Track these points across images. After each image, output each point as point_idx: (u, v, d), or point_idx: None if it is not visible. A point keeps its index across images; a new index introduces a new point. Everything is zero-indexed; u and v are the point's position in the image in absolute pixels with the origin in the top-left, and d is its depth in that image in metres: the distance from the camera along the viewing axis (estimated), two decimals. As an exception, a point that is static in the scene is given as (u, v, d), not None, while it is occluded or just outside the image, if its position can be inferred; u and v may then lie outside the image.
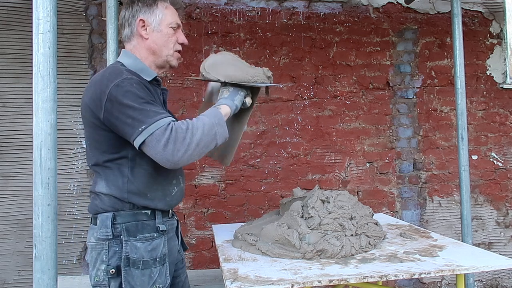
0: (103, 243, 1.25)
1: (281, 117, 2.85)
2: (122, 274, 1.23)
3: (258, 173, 2.80)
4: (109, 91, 1.17)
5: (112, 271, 1.24)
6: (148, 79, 1.30)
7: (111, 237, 1.24)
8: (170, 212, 1.38)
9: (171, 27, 1.38)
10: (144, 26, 1.34)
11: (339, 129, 2.92)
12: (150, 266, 1.26)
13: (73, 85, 2.58)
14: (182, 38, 1.41)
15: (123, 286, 1.23)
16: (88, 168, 2.56)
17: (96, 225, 1.27)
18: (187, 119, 1.22)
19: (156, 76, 1.36)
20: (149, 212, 1.28)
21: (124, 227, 1.24)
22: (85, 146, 1.46)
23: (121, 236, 1.24)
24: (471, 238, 2.25)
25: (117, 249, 1.25)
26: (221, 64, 1.45)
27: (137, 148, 1.17)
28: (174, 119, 1.21)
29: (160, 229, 1.29)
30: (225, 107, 1.32)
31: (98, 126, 1.23)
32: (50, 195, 1.04)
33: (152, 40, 1.35)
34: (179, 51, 1.41)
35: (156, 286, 1.26)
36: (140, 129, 1.14)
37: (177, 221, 1.45)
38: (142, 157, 1.24)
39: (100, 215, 1.27)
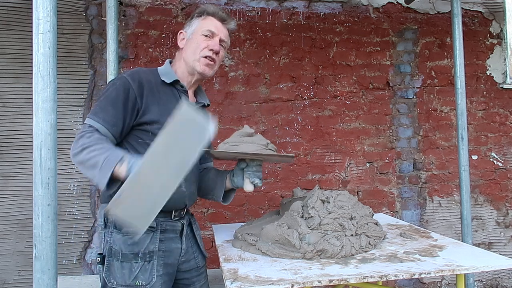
0: (101, 232, 1.35)
1: (281, 117, 2.85)
2: (105, 263, 1.29)
3: (258, 173, 2.79)
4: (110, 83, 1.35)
5: (98, 259, 1.31)
6: (167, 81, 1.39)
7: (104, 227, 1.34)
8: (172, 214, 1.39)
9: (203, 34, 1.43)
10: (182, 38, 1.47)
11: (339, 129, 2.92)
12: (130, 260, 1.28)
13: (73, 85, 2.58)
14: (213, 45, 1.42)
15: (104, 274, 1.29)
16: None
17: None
18: (101, 139, 1.23)
19: (177, 79, 1.42)
20: None
21: (113, 218, 1.30)
22: None
23: (110, 227, 1.31)
24: (471, 238, 2.25)
25: (107, 238, 1.32)
26: None
27: None
28: (101, 126, 1.26)
29: (151, 226, 1.26)
30: (124, 167, 1.15)
31: None
32: (50, 195, 1.04)
33: (185, 49, 1.44)
34: (208, 57, 1.41)
35: (138, 282, 1.27)
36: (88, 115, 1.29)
37: (184, 225, 1.45)
38: (140, 151, 1.29)
39: (101, 205, 1.37)
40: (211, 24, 1.45)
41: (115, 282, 1.27)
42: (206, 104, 1.55)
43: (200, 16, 1.47)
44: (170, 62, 1.49)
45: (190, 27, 1.46)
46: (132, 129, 1.33)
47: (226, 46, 1.52)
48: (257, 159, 1.44)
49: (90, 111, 1.30)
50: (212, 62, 1.43)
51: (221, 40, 1.46)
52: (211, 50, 1.41)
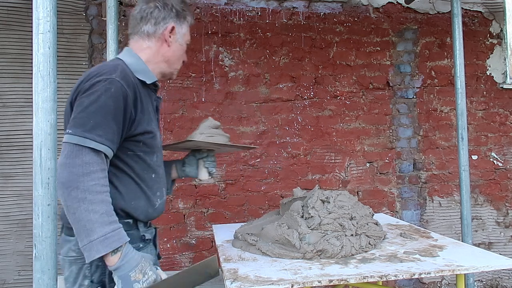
0: (83, 263, 1.12)
1: (281, 117, 2.85)
2: None
3: (258, 173, 2.80)
4: (93, 81, 1.13)
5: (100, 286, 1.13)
6: (148, 82, 1.25)
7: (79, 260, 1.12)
8: (148, 222, 1.30)
9: (186, 44, 1.40)
10: (172, 33, 1.33)
11: (339, 129, 2.92)
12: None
13: (73, 85, 2.57)
14: (185, 57, 1.44)
15: None
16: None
17: (73, 236, 1.09)
18: (105, 179, 1.07)
19: (156, 81, 1.31)
20: (131, 221, 1.19)
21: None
22: None
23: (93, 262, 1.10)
24: (471, 238, 2.25)
25: (100, 263, 1.11)
26: None
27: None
28: (107, 149, 1.08)
29: (146, 238, 1.23)
30: (116, 256, 1.04)
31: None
32: (50, 195, 1.04)
33: (172, 49, 1.34)
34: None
35: None
36: (73, 131, 1.08)
37: (155, 229, 1.36)
38: (129, 163, 1.18)
39: (66, 237, 1.18)
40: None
41: None
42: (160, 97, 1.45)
43: (188, 22, 1.42)
44: (132, 53, 1.30)
45: (181, 29, 1.37)
46: (123, 141, 1.16)
47: None
48: (233, 150, 1.61)
49: (83, 123, 1.07)
50: None
51: None
52: (184, 61, 1.42)
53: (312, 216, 1.49)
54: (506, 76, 3.14)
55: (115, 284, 1.08)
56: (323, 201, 1.54)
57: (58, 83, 1.13)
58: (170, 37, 1.32)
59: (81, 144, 1.05)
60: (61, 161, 1.04)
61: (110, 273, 1.09)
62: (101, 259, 1.05)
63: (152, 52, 1.31)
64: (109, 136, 1.08)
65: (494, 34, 3.15)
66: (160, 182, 1.30)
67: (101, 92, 1.10)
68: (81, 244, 1.02)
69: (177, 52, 1.36)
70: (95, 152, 1.05)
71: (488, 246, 3.07)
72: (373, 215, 1.67)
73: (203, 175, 1.52)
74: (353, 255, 1.43)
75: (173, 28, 1.32)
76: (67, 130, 1.09)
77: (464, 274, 1.40)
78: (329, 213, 1.49)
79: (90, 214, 1.01)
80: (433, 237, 1.66)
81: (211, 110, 2.74)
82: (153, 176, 1.26)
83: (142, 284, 1.06)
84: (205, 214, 2.72)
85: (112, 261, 1.03)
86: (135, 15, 1.33)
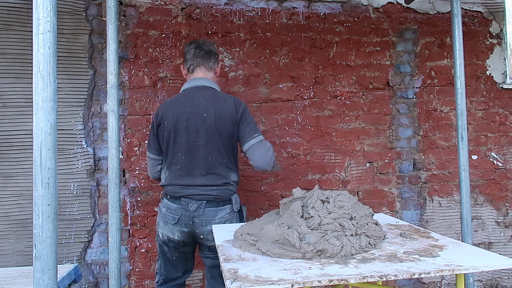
0: (236, 213, 2.07)
1: (281, 117, 2.85)
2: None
3: (258, 173, 2.80)
4: (243, 107, 2.05)
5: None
6: None
7: (239, 208, 2.10)
8: None
9: None
10: (218, 70, 2.23)
11: (339, 129, 2.92)
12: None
13: (73, 85, 2.58)
14: None
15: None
16: (89, 168, 2.57)
17: (230, 203, 2.04)
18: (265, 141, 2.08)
19: None
20: None
21: (238, 199, 2.13)
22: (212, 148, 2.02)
23: (241, 206, 2.14)
24: (471, 238, 2.25)
25: (239, 215, 2.10)
26: None
27: (246, 148, 2.03)
28: None
29: None
30: None
31: (235, 134, 2.03)
32: (50, 195, 1.04)
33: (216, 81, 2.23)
34: None
35: None
36: (256, 135, 2.04)
37: None
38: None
39: (233, 195, 2.07)
40: None
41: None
42: None
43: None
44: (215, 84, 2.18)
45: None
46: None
47: None
48: None
49: (257, 130, 2.07)
50: None
51: None
52: None
53: (312, 216, 1.49)
54: (506, 76, 3.14)
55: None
56: (323, 201, 1.54)
57: (58, 83, 1.13)
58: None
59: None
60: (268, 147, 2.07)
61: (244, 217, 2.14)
62: (240, 212, 2.12)
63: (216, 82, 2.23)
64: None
65: (494, 34, 3.15)
66: None
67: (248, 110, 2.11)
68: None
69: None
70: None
71: (488, 246, 3.07)
72: (373, 215, 1.67)
73: None
74: (353, 255, 1.43)
75: (220, 67, 2.29)
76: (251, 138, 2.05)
77: (464, 274, 1.41)
78: (329, 213, 1.49)
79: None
80: (433, 237, 1.66)
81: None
82: None
83: None
84: (205, 214, 2.72)
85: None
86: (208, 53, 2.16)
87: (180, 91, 2.14)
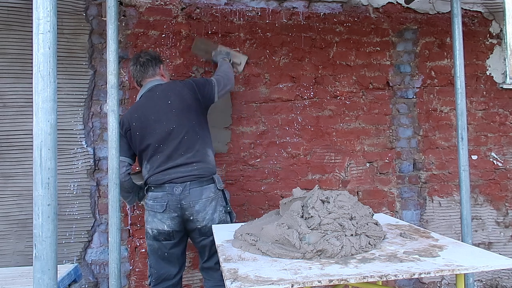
0: (220, 192, 2.13)
1: (281, 117, 2.85)
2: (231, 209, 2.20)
3: (258, 173, 2.80)
4: (194, 82, 2.22)
5: (227, 208, 2.15)
6: None
7: (222, 188, 2.16)
8: None
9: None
10: (162, 69, 2.34)
11: (339, 129, 2.92)
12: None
13: (73, 85, 2.58)
14: None
15: (231, 216, 2.19)
16: (89, 168, 2.57)
17: (213, 182, 2.11)
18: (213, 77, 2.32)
19: None
20: None
21: (220, 179, 2.20)
22: (188, 133, 2.13)
23: (223, 187, 2.19)
24: (471, 238, 2.25)
25: (222, 195, 2.16)
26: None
27: (214, 81, 2.26)
28: None
29: None
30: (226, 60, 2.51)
31: (200, 107, 2.20)
32: (50, 195, 1.04)
33: (166, 77, 2.38)
34: None
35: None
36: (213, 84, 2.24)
37: None
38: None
39: (215, 175, 2.14)
40: None
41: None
42: None
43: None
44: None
45: (163, 65, 2.41)
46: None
47: None
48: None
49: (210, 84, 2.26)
50: None
51: None
52: None
53: (312, 216, 1.49)
54: (506, 76, 3.14)
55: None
56: (323, 201, 1.54)
57: (58, 83, 1.13)
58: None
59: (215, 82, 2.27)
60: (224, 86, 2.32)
61: (228, 198, 2.20)
62: (223, 193, 2.18)
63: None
64: None
65: (494, 34, 3.15)
66: None
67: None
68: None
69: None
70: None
71: (488, 246, 3.07)
72: (373, 215, 1.67)
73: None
74: (353, 255, 1.43)
75: (161, 67, 2.34)
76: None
77: (464, 274, 1.41)
78: (329, 213, 1.49)
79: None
80: (433, 237, 1.66)
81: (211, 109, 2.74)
82: None
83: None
84: (205, 214, 2.72)
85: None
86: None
87: (136, 100, 2.30)
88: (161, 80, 2.27)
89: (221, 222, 2.08)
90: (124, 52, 2.64)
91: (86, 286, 2.58)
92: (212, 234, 1.96)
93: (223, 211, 2.12)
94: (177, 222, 2.07)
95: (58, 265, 1.10)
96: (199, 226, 2.05)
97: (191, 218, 2.04)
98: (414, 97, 3.03)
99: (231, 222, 2.16)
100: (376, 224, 1.60)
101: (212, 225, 1.98)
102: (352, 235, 1.47)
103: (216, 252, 1.88)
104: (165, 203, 2.05)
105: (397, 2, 3.01)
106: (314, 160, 2.88)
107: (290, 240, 1.40)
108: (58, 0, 2.42)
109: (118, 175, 2.11)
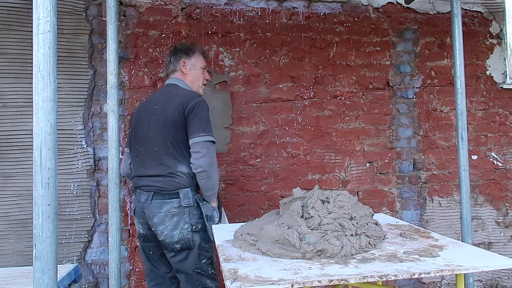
0: (185, 209, 1.92)
1: (281, 117, 2.85)
2: (207, 227, 1.96)
3: (258, 173, 2.80)
4: (196, 101, 1.95)
5: (198, 227, 1.94)
6: None
7: (191, 204, 1.93)
8: None
9: (201, 68, 2.19)
10: (184, 65, 2.15)
11: (339, 129, 2.92)
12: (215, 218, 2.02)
13: (73, 85, 2.58)
14: (207, 76, 2.24)
15: (204, 236, 1.97)
16: (89, 168, 2.57)
17: (178, 197, 1.92)
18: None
19: None
20: None
21: (196, 197, 1.97)
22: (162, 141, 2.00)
23: (199, 203, 1.96)
24: (471, 238, 2.25)
25: (194, 212, 1.95)
26: None
27: (191, 143, 1.91)
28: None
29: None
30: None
31: (182, 125, 1.94)
32: (50, 195, 1.04)
33: (190, 75, 2.16)
34: (204, 85, 2.24)
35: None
36: (203, 134, 1.92)
37: None
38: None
39: (183, 190, 1.93)
40: (204, 60, 2.22)
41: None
42: None
43: (196, 52, 2.19)
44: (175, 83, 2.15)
45: (191, 60, 2.16)
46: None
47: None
48: None
49: (206, 129, 1.93)
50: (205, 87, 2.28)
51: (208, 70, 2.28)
52: (206, 80, 2.24)
53: (312, 216, 1.49)
54: (506, 76, 3.14)
55: (208, 222, 1.97)
56: (323, 201, 1.54)
57: (58, 83, 1.13)
58: (183, 68, 2.16)
59: (210, 141, 1.95)
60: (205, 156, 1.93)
61: (205, 216, 1.97)
62: (197, 209, 1.96)
63: (183, 81, 2.16)
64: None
65: (494, 34, 3.15)
66: None
67: (204, 108, 1.99)
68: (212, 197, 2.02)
69: (194, 76, 2.18)
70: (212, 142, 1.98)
71: (488, 246, 3.07)
72: (373, 215, 1.67)
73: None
74: (353, 255, 1.43)
75: (183, 62, 2.16)
76: (199, 134, 1.94)
77: (464, 274, 1.41)
78: (329, 213, 1.49)
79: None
80: (433, 237, 1.66)
81: (211, 110, 2.74)
82: None
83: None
84: (205, 214, 2.72)
85: (215, 203, 2.04)
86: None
87: None
88: (178, 78, 2.14)
89: (183, 240, 1.91)
90: (124, 52, 2.65)
91: (86, 286, 2.58)
92: (185, 256, 1.93)
93: (189, 229, 1.91)
94: (147, 228, 2.02)
95: (58, 265, 1.10)
96: (160, 239, 1.96)
97: (153, 229, 1.98)
98: (414, 97, 3.03)
99: (200, 244, 1.95)
100: (376, 224, 1.60)
101: (212, 225, 1.97)
102: (352, 235, 1.47)
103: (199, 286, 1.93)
104: (134, 208, 2.04)
105: (397, 2, 3.01)
106: (314, 160, 2.88)
107: (290, 240, 1.40)
108: (58, 0, 2.42)
109: (118, 175, 2.12)
